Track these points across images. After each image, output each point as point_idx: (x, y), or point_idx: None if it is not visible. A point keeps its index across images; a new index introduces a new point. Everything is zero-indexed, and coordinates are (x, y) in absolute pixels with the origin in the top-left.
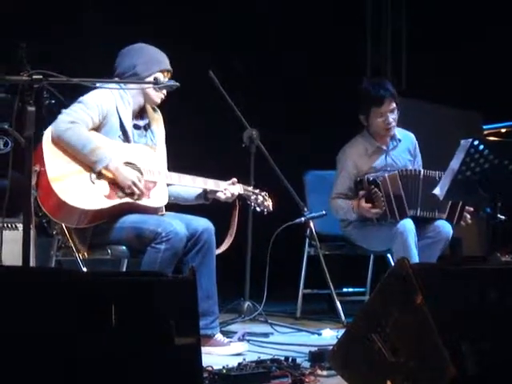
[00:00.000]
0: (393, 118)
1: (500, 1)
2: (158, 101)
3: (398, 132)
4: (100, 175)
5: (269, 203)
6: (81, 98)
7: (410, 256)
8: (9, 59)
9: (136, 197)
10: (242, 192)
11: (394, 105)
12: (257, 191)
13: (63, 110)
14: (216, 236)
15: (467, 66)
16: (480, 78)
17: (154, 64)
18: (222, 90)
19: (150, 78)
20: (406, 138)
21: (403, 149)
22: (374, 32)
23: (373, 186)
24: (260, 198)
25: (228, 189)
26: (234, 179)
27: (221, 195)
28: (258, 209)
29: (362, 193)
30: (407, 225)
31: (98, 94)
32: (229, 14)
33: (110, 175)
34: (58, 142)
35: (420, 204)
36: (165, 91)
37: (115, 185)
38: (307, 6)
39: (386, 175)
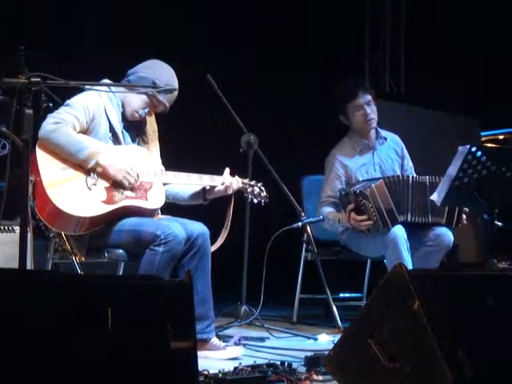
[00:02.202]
0: (370, 109)
1: (501, 6)
2: (130, 116)
3: (383, 132)
4: (98, 179)
5: (265, 194)
6: (67, 101)
7: (402, 262)
8: (7, 61)
9: (130, 186)
10: (240, 186)
11: (368, 97)
12: (252, 183)
13: (48, 115)
14: (212, 235)
15: (465, 72)
16: (478, 84)
17: (166, 97)
18: (220, 93)
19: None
20: (392, 138)
21: (390, 147)
22: (372, 36)
23: (361, 198)
24: (256, 190)
25: (225, 181)
26: (227, 169)
27: (220, 188)
28: (254, 200)
29: (350, 206)
30: (398, 232)
31: (84, 96)
32: (227, 15)
33: (101, 170)
34: (45, 144)
35: (410, 209)
36: (141, 112)
37: (112, 188)
38: (305, 8)
39: (373, 185)
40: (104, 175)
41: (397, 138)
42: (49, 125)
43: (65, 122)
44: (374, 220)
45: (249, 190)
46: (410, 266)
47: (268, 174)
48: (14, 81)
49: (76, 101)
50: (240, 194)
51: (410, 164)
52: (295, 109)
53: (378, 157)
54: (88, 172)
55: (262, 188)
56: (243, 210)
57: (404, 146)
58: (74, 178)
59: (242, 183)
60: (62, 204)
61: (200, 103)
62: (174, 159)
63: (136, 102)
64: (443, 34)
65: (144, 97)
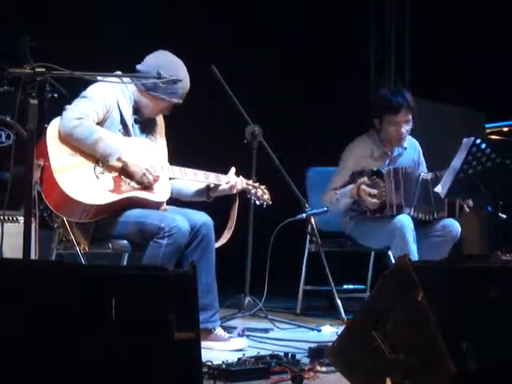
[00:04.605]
0: (406, 129)
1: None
2: (148, 115)
3: (406, 146)
4: (106, 168)
5: (268, 196)
6: (84, 93)
7: (409, 252)
8: (12, 52)
9: (147, 185)
10: (244, 186)
11: (409, 116)
12: (256, 184)
13: (67, 106)
14: (216, 231)
15: (470, 64)
16: (483, 76)
17: (173, 94)
18: (225, 84)
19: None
20: (411, 147)
21: (408, 158)
22: (377, 30)
23: (375, 176)
24: (259, 192)
25: (230, 180)
26: (233, 168)
27: (225, 187)
28: (257, 202)
29: (363, 179)
30: (405, 221)
31: (100, 88)
32: (231, 10)
33: (120, 166)
34: (67, 139)
35: (415, 205)
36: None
37: (119, 178)
38: (310, 3)
39: (391, 168)
40: (123, 171)
41: (416, 144)
42: (72, 120)
43: (86, 116)
44: (383, 200)
45: (252, 191)
46: (415, 257)
47: (272, 165)
48: (19, 71)
49: (94, 93)
50: (244, 191)
51: (425, 170)
52: (299, 100)
53: (392, 165)
54: (97, 161)
55: (266, 190)
56: (248, 201)
57: (421, 152)
58: (83, 165)
59: (246, 184)
60: (70, 190)
61: (204, 94)
62: (177, 151)
63: (151, 107)
64: (447, 28)
65: (158, 103)
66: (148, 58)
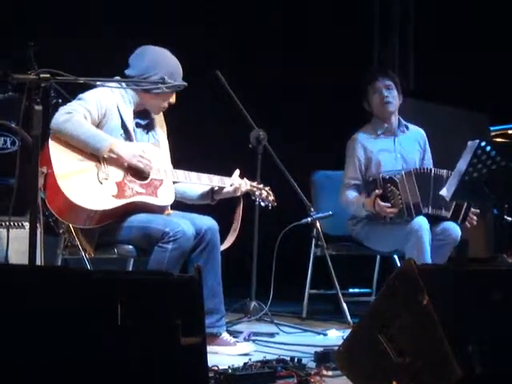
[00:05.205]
0: (388, 92)
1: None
2: (157, 112)
3: (407, 124)
4: (107, 170)
5: (273, 198)
6: (79, 95)
7: (424, 254)
8: (17, 58)
9: (146, 170)
10: (248, 188)
11: (388, 82)
12: (260, 186)
13: (60, 107)
14: (221, 234)
15: (474, 66)
16: (488, 78)
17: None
18: (229, 89)
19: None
20: (415, 130)
21: (412, 138)
22: (381, 32)
23: (389, 184)
24: (264, 193)
25: (234, 183)
26: (237, 170)
27: (229, 189)
28: (262, 204)
29: (377, 192)
30: (422, 223)
31: (97, 91)
32: (231, 12)
33: (115, 157)
34: (58, 135)
35: (431, 202)
36: (166, 103)
37: (122, 183)
38: (312, 4)
39: (403, 173)
40: (118, 162)
41: (421, 131)
42: (61, 116)
43: (76, 112)
44: (400, 208)
45: (257, 193)
46: (429, 258)
47: (277, 169)
48: (24, 77)
49: (88, 95)
50: (248, 194)
51: (430, 159)
52: (304, 103)
53: (399, 145)
54: (100, 165)
55: (270, 192)
56: (253, 205)
57: (427, 140)
58: (86, 170)
59: (251, 186)
60: (73, 196)
61: (208, 99)
62: (182, 155)
63: (155, 104)
64: (452, 31)
65: (161, 98)
66: (136, 60)
